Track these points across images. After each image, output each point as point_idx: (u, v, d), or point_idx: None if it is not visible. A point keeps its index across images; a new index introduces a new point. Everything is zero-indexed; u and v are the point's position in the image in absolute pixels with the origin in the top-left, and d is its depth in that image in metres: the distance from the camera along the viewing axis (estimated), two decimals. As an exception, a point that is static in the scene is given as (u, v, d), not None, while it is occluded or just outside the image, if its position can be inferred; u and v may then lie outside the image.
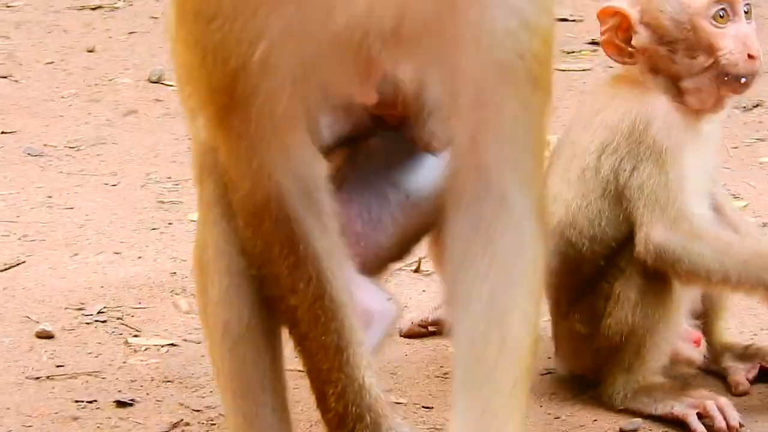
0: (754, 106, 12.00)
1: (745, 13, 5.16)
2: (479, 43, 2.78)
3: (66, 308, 7.16)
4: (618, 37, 5.27)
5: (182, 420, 5.29)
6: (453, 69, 2.86)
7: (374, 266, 4.20)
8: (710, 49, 5.11)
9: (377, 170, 4.21)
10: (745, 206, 8.17)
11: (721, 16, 5.06)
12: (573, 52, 12.73)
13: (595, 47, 11.48)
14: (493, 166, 3.03)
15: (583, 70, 12.11)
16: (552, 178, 5.62)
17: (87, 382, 6.14)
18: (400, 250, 4.37)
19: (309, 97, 3.02)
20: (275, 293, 3.34)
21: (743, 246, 5.26)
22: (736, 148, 10.46)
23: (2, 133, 10.62)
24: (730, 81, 5.14)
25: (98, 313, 7.13)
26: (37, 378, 6.14)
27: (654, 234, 5.11)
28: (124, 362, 6.31)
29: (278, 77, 2.84)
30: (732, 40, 5.09)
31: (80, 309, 7.17)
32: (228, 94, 2.90)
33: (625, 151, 5.29)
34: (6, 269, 7.97)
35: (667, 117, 5.23)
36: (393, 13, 2.71)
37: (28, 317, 6.97)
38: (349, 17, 2.67)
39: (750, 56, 5.05)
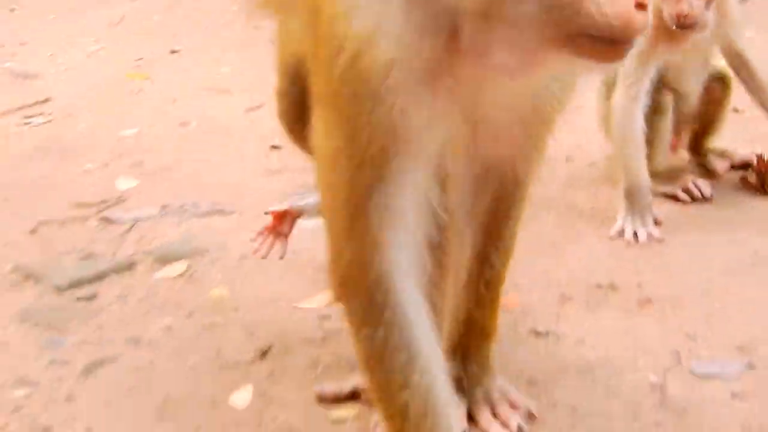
0: (744, -1, 12.52)
1: None
2: (526, 113, 2.94)
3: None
4: None
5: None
6: (504, 127, 2.99)
7: None
8: None
9: None
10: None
11: None
12: None
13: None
14: (519, 168, 3.26)
15: None
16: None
17: (303, 175, 6.39)
18: None
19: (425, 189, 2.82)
20: (381, 390, 2.96)
21: (626, 159, 6.29)
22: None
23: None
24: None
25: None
26: (270, 171, 7.52)
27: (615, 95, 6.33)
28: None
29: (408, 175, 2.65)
30: None
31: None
32: (360, 187, 2.65)
33: None
34: (253, 109, 8.91)
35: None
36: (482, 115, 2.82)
37: (266, 138, 7.99)
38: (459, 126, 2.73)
39: None
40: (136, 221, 6.70)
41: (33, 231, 6.60)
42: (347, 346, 4.37)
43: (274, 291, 5.83)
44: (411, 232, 2.82)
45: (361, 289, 2.81)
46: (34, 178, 7.23)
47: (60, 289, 5.90)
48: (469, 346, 3.54)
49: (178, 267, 6.13)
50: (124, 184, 7.28)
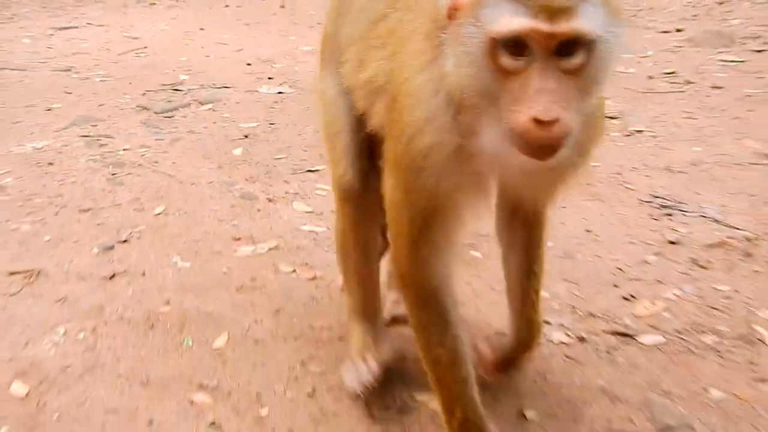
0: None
1: None
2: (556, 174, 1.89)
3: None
4: None
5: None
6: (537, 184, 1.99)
7: None
8: None
9: None
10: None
11: None
12: None
13: None
14: (541, 208, 2.20)
15: None
16: None
17: (260, 75, 7.08)
18: None
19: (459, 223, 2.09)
20: (427, 349, 2.20)
21: None
22: None
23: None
24: None
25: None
26: (245, 72, 7.32)
27: None
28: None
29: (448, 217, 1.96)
30: None
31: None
32: (416, 227, 2.00)
33: None
34: (238, 51, 8.31)
35: None
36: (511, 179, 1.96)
37: (243, 60, 7.91)
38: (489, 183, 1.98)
39: None
40: (189, 90, 6.86)
41: (143, 94, 6.75)
42: (287, 133, 5.42)
43: (251, 116, 6.06)
44: (451, 253, 2.13)
45: (417, 291, 2.10)
46: (142, 76, 7.29)
47: (157, 113, 6.21)
48: (527, 346, 2.46)
49: (208, 106, 6.40)
50: (182, 77, 7.31)
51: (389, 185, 2.03)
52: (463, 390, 2.16)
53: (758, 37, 7.09)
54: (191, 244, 3.79)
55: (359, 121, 2.33)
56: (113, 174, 4.72)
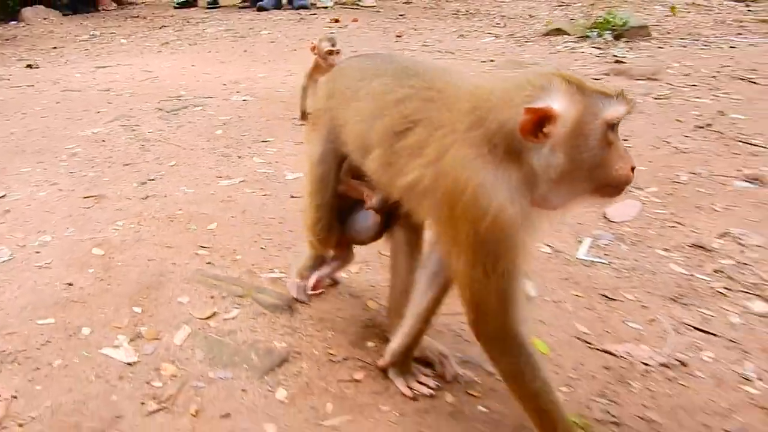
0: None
1: None
2: None
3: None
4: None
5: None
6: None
7: None
8: None
9: None
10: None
11: None
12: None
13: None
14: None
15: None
16: None
17: (232, 90, 7.17)
18: None
19: None
20: (524, 387, 1.65)
21: None
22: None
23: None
24: None
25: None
26: (223, 88, 7.12)
27: None
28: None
29: None
30: None
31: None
32: (502, 287, 1.58)
33: None
34: (218, 77, 8.07)
35: None
36: None
37: (221, 82, 7.66)
38: None
39: None
40: (186, 99, 6.66)
41: (158, 102, 6.62)
42: (249, 122, 5.43)
43: (226, 113, 6.08)
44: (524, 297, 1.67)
45: (508, 341, 1.63)
46: (156, 92, 7.00)
47: (167, 112, 6.01)
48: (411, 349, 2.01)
49: (200, 108, 6.15)
50: (182, 92, 7.09)
51: (463, 266, 1.59)
52: (557, 409, 1.66)
53: (538, 63, 7.72)
54: (192, 180, 3.99)
55: (335, 185, 2.13)
56: (142, 146, 4.77)
